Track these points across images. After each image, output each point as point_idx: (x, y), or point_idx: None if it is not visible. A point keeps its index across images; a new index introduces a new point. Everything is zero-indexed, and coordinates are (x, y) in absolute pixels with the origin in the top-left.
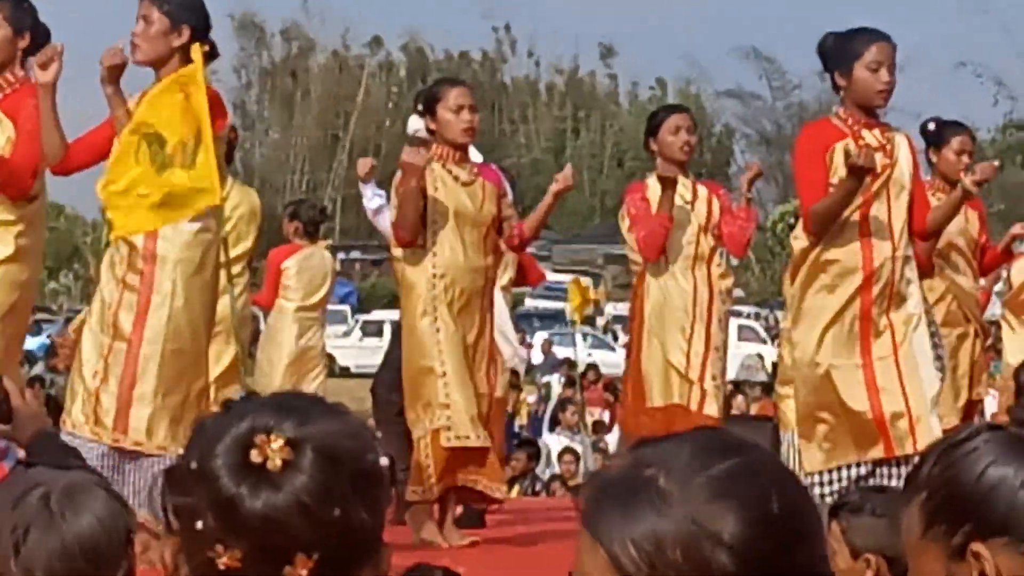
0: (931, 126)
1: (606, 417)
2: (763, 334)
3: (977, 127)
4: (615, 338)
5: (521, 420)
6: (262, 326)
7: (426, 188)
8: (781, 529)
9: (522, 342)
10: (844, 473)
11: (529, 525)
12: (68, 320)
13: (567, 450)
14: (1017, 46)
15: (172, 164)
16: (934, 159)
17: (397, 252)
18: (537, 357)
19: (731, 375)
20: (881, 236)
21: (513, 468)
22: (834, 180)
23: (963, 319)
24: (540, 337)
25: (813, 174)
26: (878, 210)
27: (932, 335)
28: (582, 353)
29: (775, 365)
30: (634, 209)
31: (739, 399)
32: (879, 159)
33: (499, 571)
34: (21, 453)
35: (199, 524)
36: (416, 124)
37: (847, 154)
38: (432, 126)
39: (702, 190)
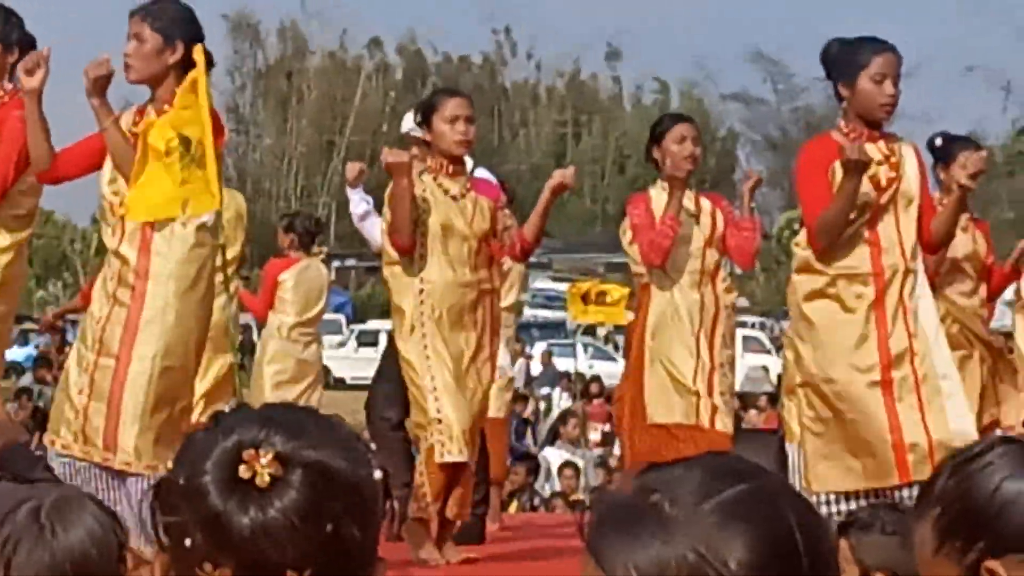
0: (938, 141)
1: (608, 429)
2: (768, 344)
3: (985, 135)
4: (616, 348)
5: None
6: (255, 338)
7: (414, 192)
8: (789, 557)
9: (521, 353)
10: (854, 496)
11: (528, 541)
12: (56, 330)
13: (567, 464)
14: None
15: (197, 162)
16: (942, 176)
17: (387, 271)
18: (536, 368)
19: (736, 387)
20: (891, 249)
21: (512, 483)
22: None
23: (965, 341)
24: (540, 348)
25: (816, 190)
26: (887, 223)
27: None
28: (583, 364)
29: (780, 376)
30: (636, 219)
31: (751, 412)
32: (883, 172)
33: None
34: None
35: (188, 541)
36: (410, 123)
37: (840, 151)
38: (427, 137)
39: (705, 203)
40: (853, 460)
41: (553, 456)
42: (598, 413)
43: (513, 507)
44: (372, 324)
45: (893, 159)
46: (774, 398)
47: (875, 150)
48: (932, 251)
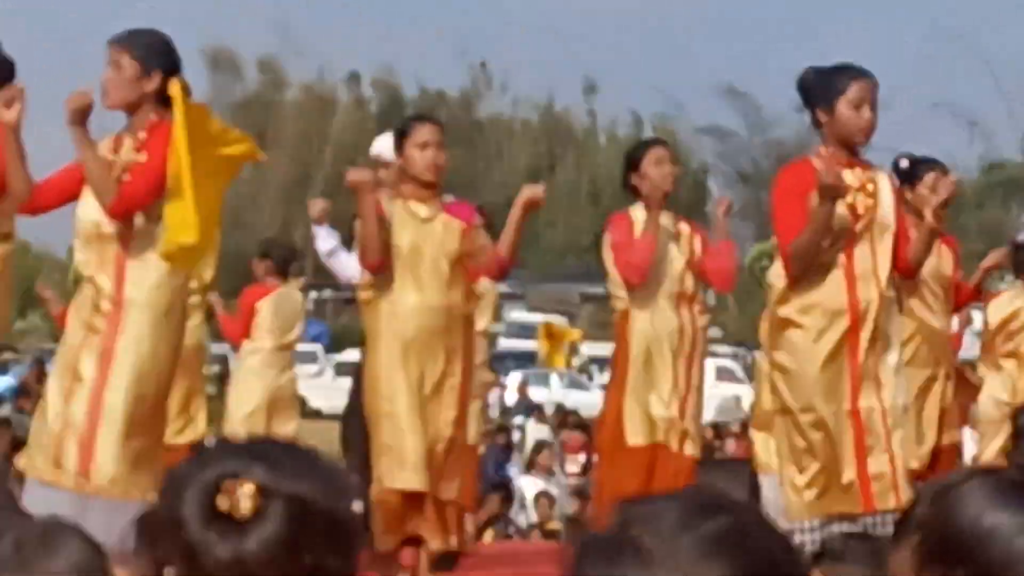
0: (903, 163)
1: (584, 459)
2: (741, 374)
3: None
4: (590, 379)
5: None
6: (231, 365)
7: (383, 210)
8: None
9: (496, 383)
10: (826, 524)
11: (502, 569)
12: (36, 360)
13: (542, 494)
14: (995, 85)
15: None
16: (908, 196)
17: (360, 295)
18: (511, 398)
19: (708, 417)
20: (866, 278)
21: (486, 511)
22: None
23: (932, 361)
24: (515, 378)
25: (791, 217)
26: (862, 252)
27: None
28: (557, 393)
29: (753, 407)
30: (616, 237)
31: (729, 441)
32: (860, 200)
33: None
34: None
35: (168, 571)
36: (378, 147)
37: (817, 176)
38: (400, 162)
39: (684, 227)
40: (826, 488)
41: (528, 485)
42: (575, 444)
43: (488, 536)
44: (349, 354)
45: (870, 187)
46: (746, 427)
47: (852, 177)
48: (909, 277)
